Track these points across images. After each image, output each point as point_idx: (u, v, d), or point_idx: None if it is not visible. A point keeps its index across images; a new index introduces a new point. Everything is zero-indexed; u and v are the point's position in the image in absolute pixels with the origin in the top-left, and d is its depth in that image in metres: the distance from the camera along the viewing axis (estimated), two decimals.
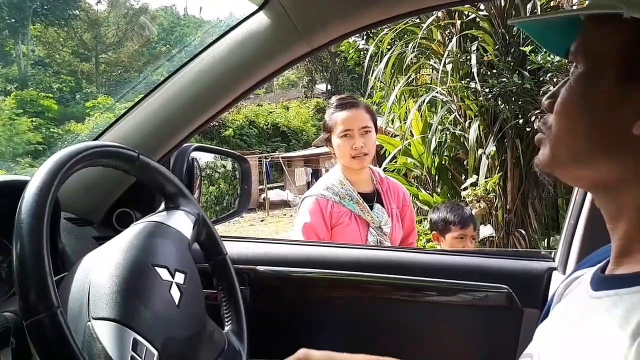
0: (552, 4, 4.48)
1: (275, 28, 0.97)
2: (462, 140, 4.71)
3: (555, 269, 1.16)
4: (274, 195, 17.53)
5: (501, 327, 1.17)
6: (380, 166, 4.45)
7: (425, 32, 4.73)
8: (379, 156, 5.08)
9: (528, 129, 4.24)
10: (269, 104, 29.02)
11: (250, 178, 1.39)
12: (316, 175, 17.08)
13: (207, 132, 20.87)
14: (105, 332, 0.60)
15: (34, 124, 19.74)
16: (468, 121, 4.56)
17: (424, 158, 4.79)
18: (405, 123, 4.92)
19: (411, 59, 4.93)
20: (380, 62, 5.16)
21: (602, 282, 0.54)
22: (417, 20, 4.89)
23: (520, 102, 4.16)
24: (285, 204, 16.89)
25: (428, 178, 4.92)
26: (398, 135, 5.27)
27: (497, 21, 4.37)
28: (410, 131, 4.90)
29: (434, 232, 2.33)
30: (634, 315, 0.44)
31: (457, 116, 4.70)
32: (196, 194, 1.22)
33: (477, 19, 4.57)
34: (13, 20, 31.08)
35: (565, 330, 0.55)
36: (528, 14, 4.34)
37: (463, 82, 4.44)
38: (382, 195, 1.87)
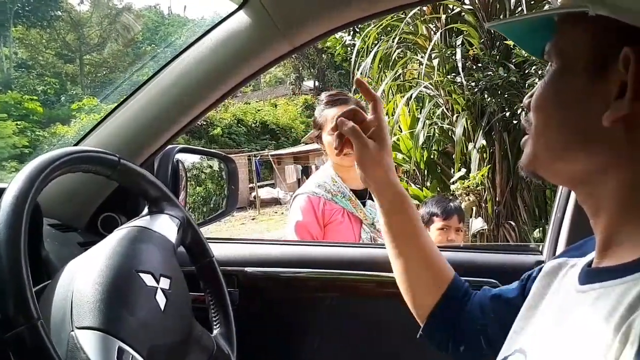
0: None
1: (255, 27, 0.96)
2: (450, 134, 4.73)
3: (543, 262, 1.17)
4: (265, 193, 17.52)
5: None
6: None
7: (410, 26, 4.73)
8: None
9: (515, 122, 4.26)
10: (256, 101, 28.97)
11: (237, 178, 1.37)
12: (306, 172, 17.10)
13: (194, 132, 20.79)
14: (89, 342, 0.59)
15: (19, 127, 19.46)
16: (455, 115, 4.58)
17: (412, 152, 4.81)
18: (393, 118, 4.92)
19: (397, 54, 4.94)
20: (367, 57, 5.16)
21: (587, 276, 0.54)
22: (402, 15, 4.89)
23: (506, 95, 4.18)
24: (275, 201, 16.89)
25: (417, 172, 4.94)
26: None
27: (482, 14, 4.38)
28: (399, 126, 4.90)
29: None
30: (617, 307, 0.44)
31: (445, 110, 4.72)
32: (182, 196, 1.21)
33: (462, 13, 4.58)
34: None
35: (554, 325, 0.55)
36: (512, 7, 4.37)
37: (449, 76, 4.45)
38: None
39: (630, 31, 0.45)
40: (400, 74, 5.12)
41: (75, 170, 0.72)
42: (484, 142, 4.33)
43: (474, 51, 4.42)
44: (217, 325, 0.90)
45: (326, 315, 1.26)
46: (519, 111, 4.08)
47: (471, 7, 4.51)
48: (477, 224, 4.23)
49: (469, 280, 1.17)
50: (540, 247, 1.22)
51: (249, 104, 27.62)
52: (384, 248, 1.35)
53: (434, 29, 4.74)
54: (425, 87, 4.71)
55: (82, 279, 0.66)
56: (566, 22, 0.53)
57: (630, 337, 0.41)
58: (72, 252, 0.89)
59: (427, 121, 4.69)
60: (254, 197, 16.48)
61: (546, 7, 4.12)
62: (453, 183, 4.34)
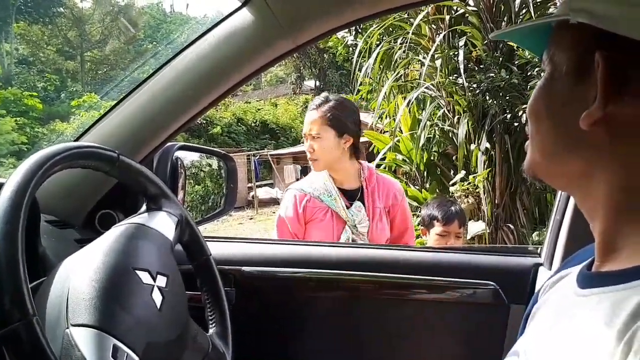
0: None
1: (258, 24, 0.96)
2: (450, 135, 4.72)
3: (541, 264, 1.17)
4: (263, 193, 17.49)
5: (488, 323, 1.17)
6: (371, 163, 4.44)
7: (413, 27, 4.72)
8: (369, 153, 5.07)
9: (516, 124, 4.26)
10: (257, 100, 28.92)
11: (236, 177, 1.37)
12: (305, 172, 17.03)
13: (194, 130, 20.76)
14: (84, 339, 0.59)
15: (18, 123, 19.44)
16: (457, 117, 4.57)
17: (412, 154, 4.80)
18: (394, 119, 4.91)
19: (400, 54, 4.93)
20: (369, 58, 5.15)
21: (588, 280, 0.54)
22: (405, 15, 4.89)
23: (507, 97, 4.18)
24: (274, 201, 16.84)
25: (417, 174, 4.93)
26: (387, 132, 5.27)
27: (486, 16, 4.38)
28: (400, 127, 4.90)
29: (422, 227, 2.34)
30: (620, 314, 0.43)
31: (446, 112, 4.71)
32: (180, 194, 1.20)
33: (466, 14, 4.57)
34: None
35: (552, 328, 0.55)
36: (517, 9, 4.36)
37: (451, 77, 4.45)
38: (365, 193, 1.85)
39: (607, 37, 0.46)
40: (401, 75, 5.11)
41: (75, 166, 0.71)
42: (487, 144, 4.33)
43: (477, 53, 4.42)
44: (213, 325, 0.90)
45: (323, 315, 1.26)
46: (520, 113, 4.07)
47: (475, 9, 4.51)
48: (477, 226, 4.23)
49: (467, 282, 1.18)
50: (539, 249, 1.22)
51: (250, 102, 27.57)
52: (379, 248, 1.36)
53: (437, 30, 4.73)
54: (426, 88, 4.70)
55: (78, 276, 0.65)
56: (560, 29, 0.54)
57: (634, 345, 0.40)
58: (69, 248, 0.89)
59: (427, 123, 4.69)
60: (253, 197, 16.46)
61: (551, 9, 4.12)
62: (452, 185, 4.34)
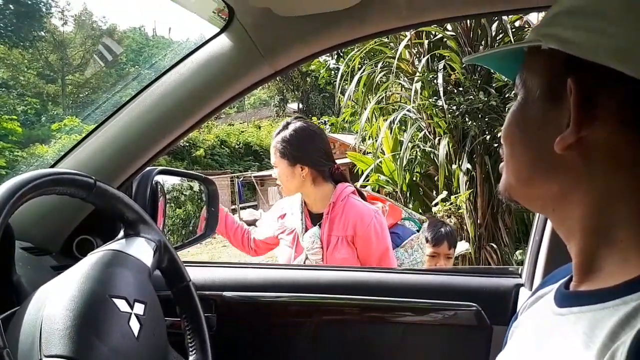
0: (517, 23, 4.63)
1: (237, 50, 0.96)
2: (432, 156, 4.77)
3: (522, 285, 1.17)
4: (247, 214, 17.32)
5: (471, 345, 1.17)
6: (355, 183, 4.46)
7: (394, 51, 4.81)
8: (352, 174, 5.09)
9: (496, 145, 4.33)
10: (240, 123, 28.99)
11: (217, 200, 1.36)
12: None
13: (177, 153, 20.63)
14: None
15: None
16: (437, 138, 4.64)
17: (395, 175, 4.84)
18: (376, 141, 4.96)
19: (380, 78, 5.01)
20: (351, 81, 5.22)
21: (565, 299, 0.54)
22: (386, 40, 4.98)
23: (486, 119, 4.26)
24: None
25: (400, 194, 4.96)
26: (370, 153, 5.32)
27: (464, 40, 4.49)
28: (382, 149, 4.94)
29: None
30: (599, 334, 0.44)
31: (427, 133, 4.78)
32: (161, 219, 1.19)
33: (444, 39, 4.68)
34: None
35: (531, 347, 0.55)
36: (494, 34, 4.48)
37: (431, 100, 4.52)
38: (325, 219, 1.78)
39: (577, 63, 0.47)
40: (383, 98, 5.19)
41: (49, 193, 0.70)
42: (468, 165, 4.39)
43: (455, 76, 4.51)
44: (193, 352, 0.88)
45: (307, 340, 1.24)
46: (499, 134, 4.13)
47: (453, 34, 4.61)
48: (461, 246, 4.25)
49: (449, 304, 1.17)
50: (520, 270, 1.22)
51: (233, 125, 27.63)
52: (367, 271, 1.35)
53: (417, 54, 4.82)
54: (408, 110, 4.77)
55: (52, 304, 0.64)
56: (532, 54, 0.55)
57: None
58: (44, 276, 0.87)
59: (409, 144, 4.74)
60: (237, 219, 16.32)
61: (528, 36, 4.23)
62: (435, 205, 4.37)
